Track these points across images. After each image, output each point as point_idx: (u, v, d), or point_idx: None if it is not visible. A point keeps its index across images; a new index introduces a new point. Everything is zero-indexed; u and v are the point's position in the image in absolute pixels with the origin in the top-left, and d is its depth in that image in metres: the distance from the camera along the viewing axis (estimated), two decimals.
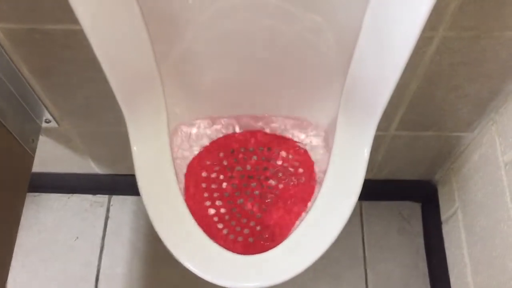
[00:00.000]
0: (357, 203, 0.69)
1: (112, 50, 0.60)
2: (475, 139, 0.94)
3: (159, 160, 0.72)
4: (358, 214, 1.25)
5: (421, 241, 1.22)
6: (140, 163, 0.71)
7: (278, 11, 0.61)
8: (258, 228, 0.75)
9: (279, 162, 0.80)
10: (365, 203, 1.26)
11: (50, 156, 1.10)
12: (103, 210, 1.27)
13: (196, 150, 0.80)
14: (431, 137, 0.98)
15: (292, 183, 0.78)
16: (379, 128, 0.68)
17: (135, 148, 0.71)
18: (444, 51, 0.73)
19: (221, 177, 0.79)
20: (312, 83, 0.74)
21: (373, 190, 1.16)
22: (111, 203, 1.28)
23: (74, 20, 0.54)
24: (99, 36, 0.57)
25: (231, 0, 0.60)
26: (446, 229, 1.11)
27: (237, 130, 0.82)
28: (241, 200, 0.78)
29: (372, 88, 0.65)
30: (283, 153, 0.80)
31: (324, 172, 0.73)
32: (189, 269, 0.66)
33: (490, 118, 0.87)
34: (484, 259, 0.91)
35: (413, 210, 1.25)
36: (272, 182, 0.78)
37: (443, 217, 1.12)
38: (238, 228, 0.75)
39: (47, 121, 0.95)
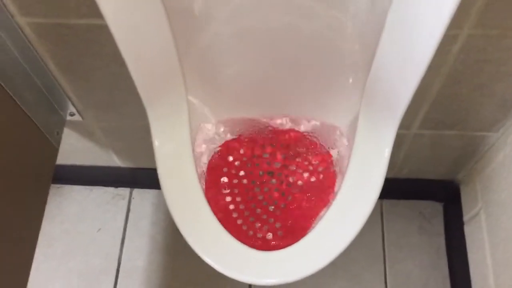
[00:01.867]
0: (377, 202, 0.69)
1: (135, 45, 0.61)
2: (500, 139, 0.92)
3: (180, 155, 0.73)
4: (378, 212, 1.24)
5: (442, 241, 1.21)
6: (161, 157, 0.72)
7: (300, 7, 0.61)
8: (277, 224, 0.75)
9: (299, 160, 0.80)
10: (386, 202, 1.25)
11: (73, 149, 1.12)
12: (124, 203, 1.29)
13: (217, 146, 0.80)
14: (455, 136, 0.97)
15: (312, 181, 0.78)
16: (402, 126, 0.68)
17: (156, 142, 0.72)
18: (469, 49, 0.72)
19: (242, 173, 0.79)
20: (334, 81, 0.74)
21: (394, 189, 1.15)
22: (132, 196, 1.29)
23: (98, 14, 0.54)
24: (122, 31, 0.57)
25: None
26: (468, 230, 1.10)
27: (258, 127, 0.82)
28: (261, 196, 0.78)
29: (394, 87, 0.64)
30: (304, 151, 0.80)
31: (345, 171, 0.72)
32: (208, 263, 0.66)
33: None
34: (507, 261, 0.89)
35: (434, 209, 1.24)
36: (291, 179, 0.78)
37: (465, 217, 1.11)
38: (257, 224, 0.75)
39: (71, 114, 0.96)
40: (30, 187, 0.87)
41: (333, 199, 0.73)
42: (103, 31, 0.73)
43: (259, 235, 0.74)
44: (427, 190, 1.22)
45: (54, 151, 0.94)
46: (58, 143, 0.94)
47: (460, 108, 0.87)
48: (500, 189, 0.92)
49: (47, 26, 0.73)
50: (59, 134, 0.94)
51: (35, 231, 0.88)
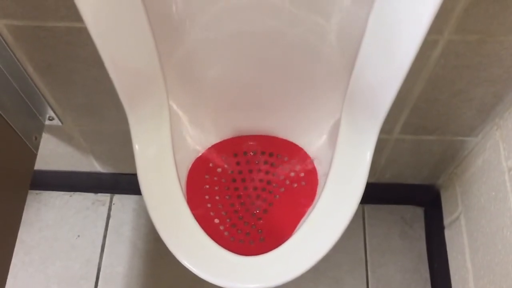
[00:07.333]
0: (359, 207, 0.69)
1: (115, 48, 0.60)
2: (479, 144, 0.93)
3: (161, 160, 0.72)
4: (360, 217, 1.25)
5: (423, 245, 1.21)
6: (142, 161, 0.71)
7: (280, 12, 0.61)
8: (259, 230, 0.74)
9: (281, 166, 0.79)
10: (368, 207, 1.26)
11: (52, 154, 1.10)
12: (104, 209, 1.27)
13: (199, 152, 0.80)
14: (435, 141, 0.97)
15: (294, 186, 0.78)
16: (382, 131, 0.68)
17: (137, 146, 0.71)
18: (448, 54, 0.73)
19: (223, 180, 0.79)
20: (316, 85, 0.74)
21: (376, 194, 1.16)
22: (112, 202, 1.28)
23: (78, 17, 0.54)
24: (102, 34, 0.57)
25: (235, 0, 0.60)
26: (448, 234, 1.10)
27: (240, 133, 0.81)
28: (243, 202, 0.77)
29: (376, 91, 0.64)
30: (285, 157, 0.80)
31: (326, 175, 0.72)
32: (189, 268, 0.66)
33: (494, 123, 0.87)
34: (487, 265, 0.90)
35: (415, 214, 1.25)
36: (274, 185, 0.78)
37: (446, 221, 1.12)
38: (239, 231, 0.74)
39: (50, 119, 0.95)
40: (7, 193, 0.85)
41: (314, 205, 0.73)
42: (83, 33, 0.72)
43: (241, 240, 0.73)
44: (408, 195, 1.23)
45: (33, 157, 0.92)
46: (37, 148, 0.93)
47: (440, 113, 0.88)
48: (480, 194, 0.93)
49: (25, 29, 0.72)
50: (37, 139, 0.93)
51: (12, 238, 0.86)
